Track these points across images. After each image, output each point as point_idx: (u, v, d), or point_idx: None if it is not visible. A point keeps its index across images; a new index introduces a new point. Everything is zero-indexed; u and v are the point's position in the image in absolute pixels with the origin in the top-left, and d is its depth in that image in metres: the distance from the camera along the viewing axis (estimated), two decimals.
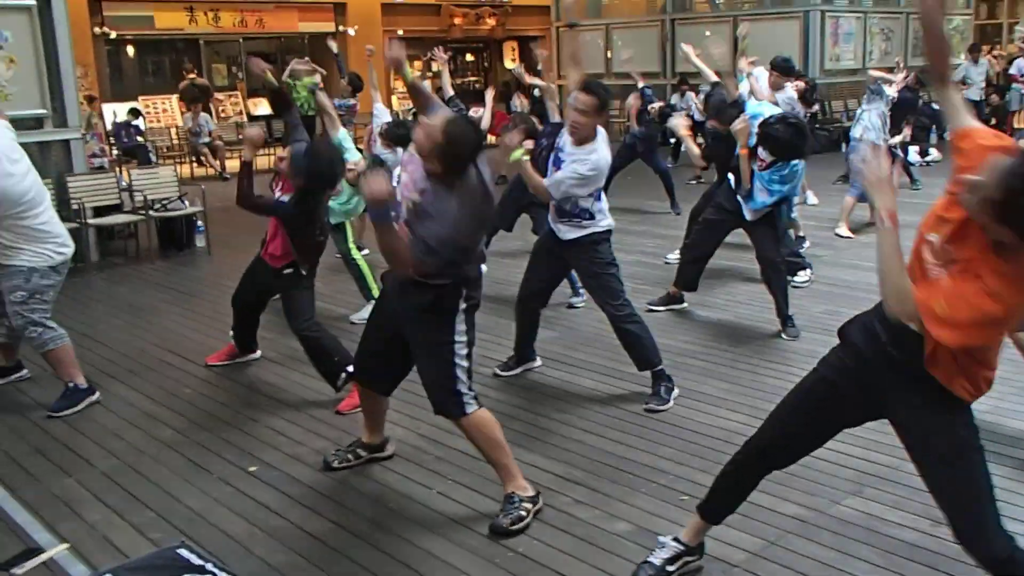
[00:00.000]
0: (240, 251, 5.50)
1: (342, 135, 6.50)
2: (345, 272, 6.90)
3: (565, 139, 4.85)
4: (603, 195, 4.96)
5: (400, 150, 6.79)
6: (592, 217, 4.88)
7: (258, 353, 5.90)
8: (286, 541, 3.63)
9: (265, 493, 4.05)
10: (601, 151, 4.77)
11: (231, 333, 5.86)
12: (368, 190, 3.17)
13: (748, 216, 6.10)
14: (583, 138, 4.74)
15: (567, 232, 4.94)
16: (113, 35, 18.54)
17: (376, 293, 6.69)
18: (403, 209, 3.57)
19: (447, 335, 3.62)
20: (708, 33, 17.77)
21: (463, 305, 3.65)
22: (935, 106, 15.33)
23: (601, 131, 4.84)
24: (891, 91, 9.44)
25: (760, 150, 5.84)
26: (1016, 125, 16.43)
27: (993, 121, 15.30)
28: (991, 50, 20.51)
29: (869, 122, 9.14)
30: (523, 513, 3.66)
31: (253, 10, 20.23)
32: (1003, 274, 2.42)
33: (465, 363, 3.67)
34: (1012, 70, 16.85)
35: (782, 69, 8.73)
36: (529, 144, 4.96)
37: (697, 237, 6.71)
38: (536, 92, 11.64)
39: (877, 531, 3.57)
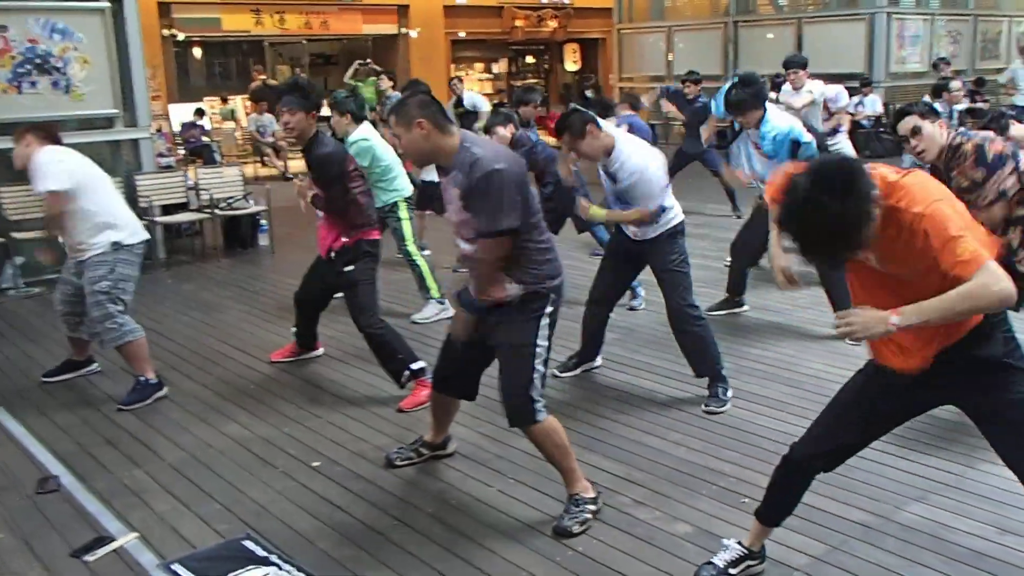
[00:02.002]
0: (303, 250, 5.60)
1: None
2: (406, 271, 6.98)
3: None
4: (668, 187, 4.98)
5: None
6: (665, 211, 4.91)
7: (321, 350, 5.99)
8: (349, 535, 3.69)
9: (329, 488, 4.12)
10: (626, 153, 4.77)
11: (294, 331, 5.95)
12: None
13: None
14: (601, 155, 4.78)
15: (648, 231, 4.96)
16: (181, 37, 18.91)
17: (436, 293, 6.75)
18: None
19: (530, 337, 3.60)
20: (770, 36, 17.59)
21: (549, 309, 3.65)
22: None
23: (615, 133, 4.86)
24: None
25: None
26: None
27: None
28: None
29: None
30: (587, 516, 3.67)
31: (318, 12, 20.52)
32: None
33: (542, 368, 3.66)
34: None
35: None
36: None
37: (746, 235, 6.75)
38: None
39: (942, 538, 3.51)
